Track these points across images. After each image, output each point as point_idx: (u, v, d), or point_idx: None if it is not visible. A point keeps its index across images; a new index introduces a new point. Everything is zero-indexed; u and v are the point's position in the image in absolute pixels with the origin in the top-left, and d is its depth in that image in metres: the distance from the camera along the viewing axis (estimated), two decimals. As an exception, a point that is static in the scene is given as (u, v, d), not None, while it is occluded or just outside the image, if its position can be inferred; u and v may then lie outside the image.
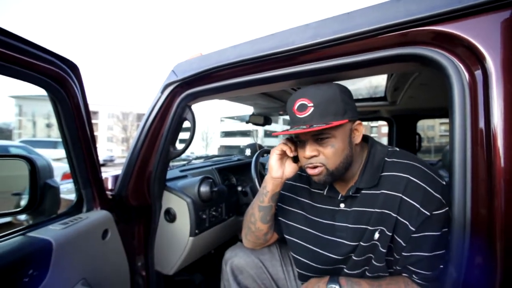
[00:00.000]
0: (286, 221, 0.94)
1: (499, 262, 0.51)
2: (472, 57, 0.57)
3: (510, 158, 0.51)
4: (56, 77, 0.80)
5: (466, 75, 0.58)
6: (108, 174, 1.21)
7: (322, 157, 0.76)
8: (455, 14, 0.57)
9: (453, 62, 0.59)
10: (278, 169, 0.85)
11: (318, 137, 0.75)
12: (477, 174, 0.55)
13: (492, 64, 0.53)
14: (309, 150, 0.76)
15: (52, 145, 9.71)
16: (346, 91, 0.78)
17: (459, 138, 0.58)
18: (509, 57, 0.52)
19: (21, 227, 0.82)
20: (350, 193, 0.79)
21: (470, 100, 0.57)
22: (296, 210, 0.92)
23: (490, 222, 0.53)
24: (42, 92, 0.81)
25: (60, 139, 0.90)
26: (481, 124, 0.55)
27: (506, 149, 0.51)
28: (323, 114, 0.73)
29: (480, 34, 0.55)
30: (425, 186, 0.69)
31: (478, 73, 0.56)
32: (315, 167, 0.76)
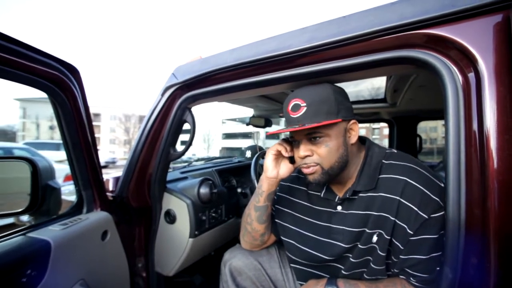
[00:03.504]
0: (283, 223, 0.94)
1: (493, 261, 0.52)
2: (464, 60, 0.57)
3: (503, 159, 0.51)
4: (56, 80, 0.81)
5: (460, 77, 0.59)
6: (110, 176, 1.22)
7: (316, 157, 0.76)
8: (448, 17, 0.58)
9: (447, 64, 0.60)
10: (273, 169, 0.85)
11: (312, 137, 0.75)
12: (471, 174, 0.56)
13: (485, 67, 0.54)
14: (303, 150, 0.76)
15: (55, 147, 9.76)
16: (340, 92, 0.78)
17: (453, 139, 0.58)
18: (500, 59, 0.52)
19: (21, 228, 0.82)
20: (347, 196, 0.79)
21: (464, 101, 0.57)
22: (293, 212, 0.92)
23: (484, 222, 0.53)
24: (45, 94, 0.82)
25: (63, 141, 0.91)
26: (475, 125, 0.55)
27: (498, 150, 0.52)
28: (315, 114, 0.73)
29: (472, 37, 0.55)
30: (423, 188, 0.69)
31: (471, 75, 0.56)
32: (309, 167, 0.76)
